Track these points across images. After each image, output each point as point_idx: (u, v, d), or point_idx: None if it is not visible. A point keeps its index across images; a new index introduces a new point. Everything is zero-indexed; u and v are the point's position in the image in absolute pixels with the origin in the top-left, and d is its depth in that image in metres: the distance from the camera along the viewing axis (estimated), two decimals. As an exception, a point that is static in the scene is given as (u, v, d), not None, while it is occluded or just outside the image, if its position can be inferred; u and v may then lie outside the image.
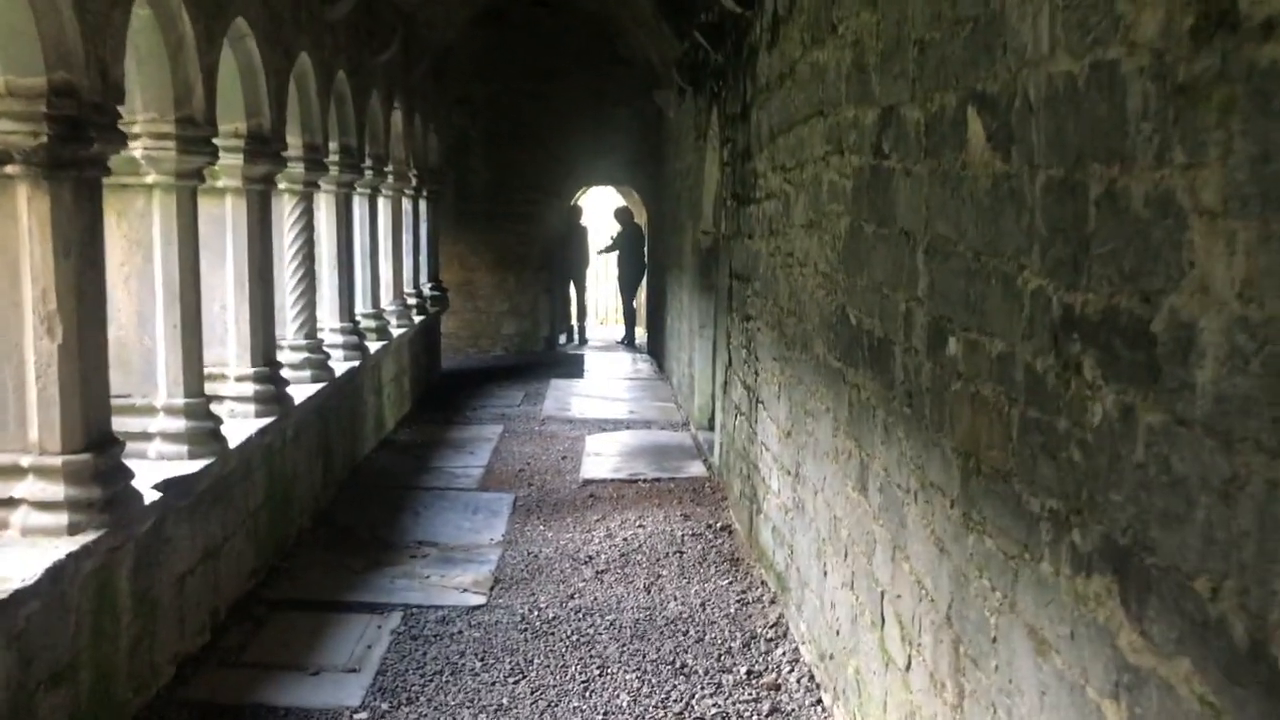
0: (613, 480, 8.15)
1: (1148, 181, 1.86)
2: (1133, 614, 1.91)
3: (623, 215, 16.94)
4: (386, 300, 10.05)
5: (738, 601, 5.76)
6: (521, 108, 15.11)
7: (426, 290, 12.17)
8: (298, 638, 5.19)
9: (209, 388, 5.61)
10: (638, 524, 7.11)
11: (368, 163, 8.81)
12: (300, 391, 6.66)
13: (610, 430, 10.09)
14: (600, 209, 20.28)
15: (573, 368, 14.22)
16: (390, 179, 9.92)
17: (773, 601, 5.69)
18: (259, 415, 5.81)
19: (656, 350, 15.00)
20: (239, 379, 5.84)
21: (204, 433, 4.95)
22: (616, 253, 17.12)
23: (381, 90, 9.01)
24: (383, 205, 10.05)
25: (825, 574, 4.52)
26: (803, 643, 5.01)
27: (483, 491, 7.88)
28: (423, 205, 11.96)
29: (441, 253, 14.12)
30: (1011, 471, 2.50)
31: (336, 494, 7.58)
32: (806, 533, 4.91)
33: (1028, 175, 2.40)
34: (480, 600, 5.73)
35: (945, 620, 2.98)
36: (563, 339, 16.80)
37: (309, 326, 7.08)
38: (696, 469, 8.47)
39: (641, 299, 17.79)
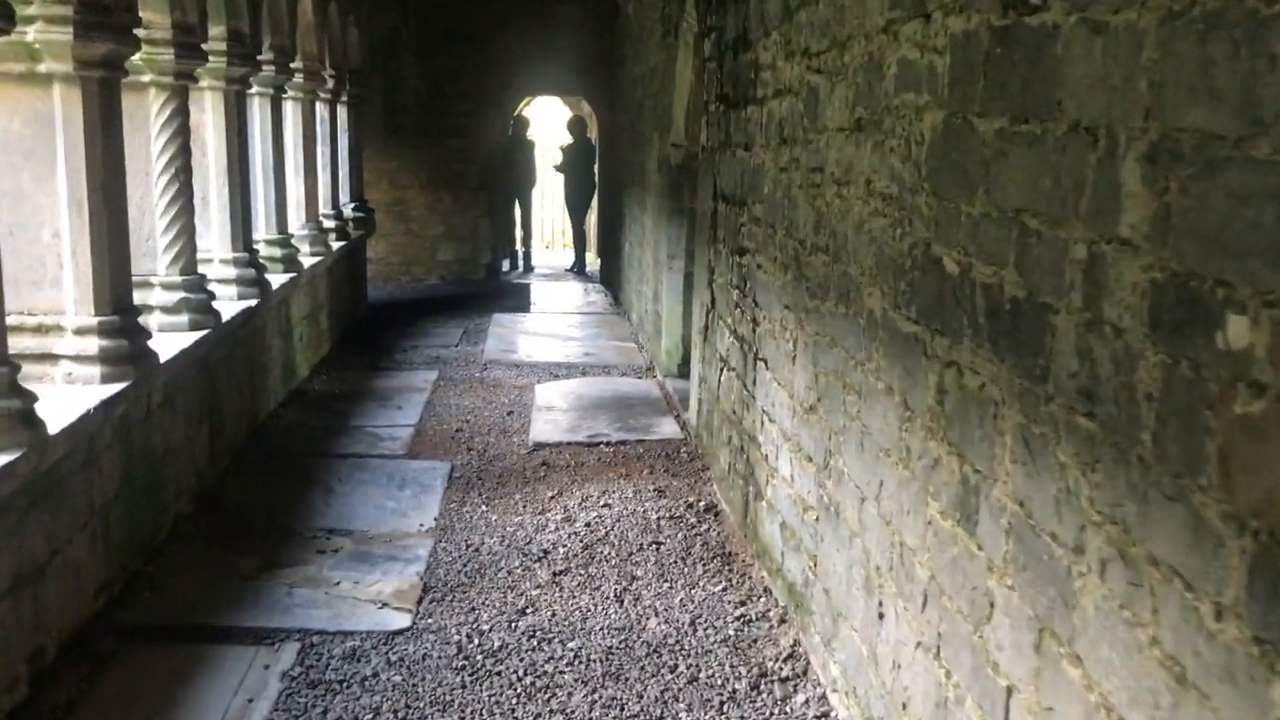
0: (569, 444, 6.81)
1: None
2: None
3: (576, 126, 15.36)
4: (297, 224, 8.52)
5: (737, 619, 4.48)
6: (458, 5, 13.44)
7: (348, 211, 10.62)
8: (151, 688, 3.82)
9: (29, 345, 4.16)
10: (602, 502, 5.79)
11: (267, 55, 7.23)
12: (173, 342, 5.21)
13: (563, 377, 8.72)
14: (548, 121, 18.65)
15: (518, 300, 12.77)
16: (299, 78, 8.33)
17: (783, 621, 4.42)
18: (109, 379, 4.37)
19: (611, 280, 13.60)
20: (79, 332, 4.38)
21: (9, 417, 3.51)
22: (565, 171, 15.57)
23: (285, -33, 7.40)
24: (291, 110, 8.47)
25: (881, 617, 3.24)
26: (834, 690, 3.75)
27: (412, 459, 6.50)
28: (342, 113, 10.35)
29: (369, 170, 12.53)
30: None
31: (229, 465, 6.16)
32: (844, 549, 3.62)
33: None
34: (404, 621, 4.39)
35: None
36: (506, 265, 15.31)
37: (186, 258, 5.59)
38: (668, 428, 7.16)
39: (591, 221, 16.32)
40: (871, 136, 3.32)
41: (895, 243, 3.09)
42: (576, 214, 15.71)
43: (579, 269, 15.56)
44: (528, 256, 15.85)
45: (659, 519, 5.58)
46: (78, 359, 4.34)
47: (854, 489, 3.51)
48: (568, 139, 15.42)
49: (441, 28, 13.48)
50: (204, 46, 5.73)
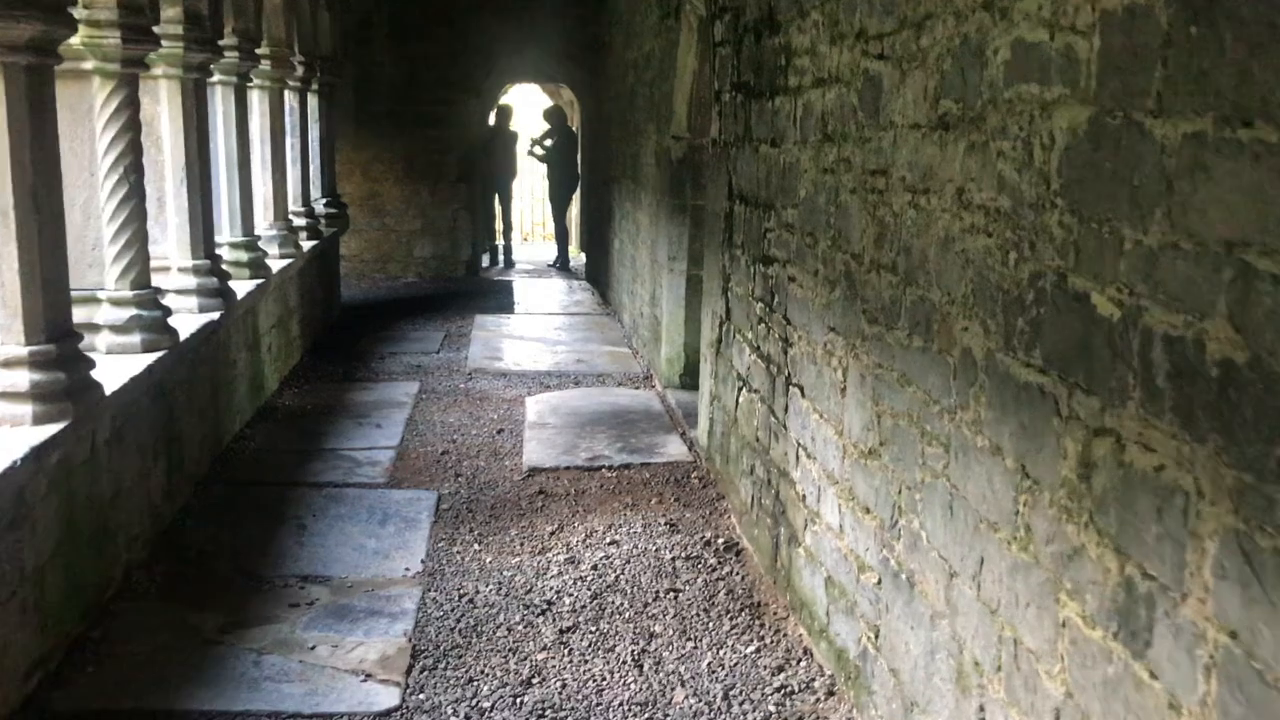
0: (568, 468, 6.19)
1: None
2: None
3: (555, 116, 14.69)
4: (264, 224, 7.84)
5: (777, 690, 3.88)
6: (435, -12, 12.73)
7: (320, 207, 9.94)
8: (92, 798, 3.20)
9: (-58, 385, 3.51)
10: (609, 539, 5.19)
11: (230, 40, 6.55)
12: (123, 367, 4.56)
13: (555, 388, 8.09)
14: (529, 110, 17.97)
15: (501, 299, 12.11)
16: (266, 65, 7.64)
17: (831, 693, 3.83)
18: (43, 419, 3.72)
19: (597, 277, 12.96)
20: (5, 365, 3.72)
21: (-93, 477, 2.87)
22: (547, 162, 14.90)
23: (248, -58, 6.71)
24: (257, 100, 7.78)
25: (981, 723, 2.66)
26: (905, 791, 3.17)
27: (394, 488, 5.86)
28: (313, 101, 9.66)
29: (341, 161, 11.85)
30: None
31: (190, 499, 5.51)
32: (922, 628, 3.03)
33: None
34: (392, 698, 3.77)
35: None
36: (485, 260, 14.64)
37: (138, 269, 4.93)
38: (675, 448, 6.55)
39: (573, 214, 15.66)
40: (966, 136, 2.71)
41: (1006, 269, 2.50)
42: (558, 207, 15.06)
43: (562, 264, 14.91)
44: (508, 251, 15.18)
45: (674, 559, 4.98)
46: (4, 397, 3.69)
47: (937, 560, 2.92)
48: (545, 129, 14.74)
49: (417, 12, 12.78)
50: (156, 30, 5.06)
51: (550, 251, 16.57)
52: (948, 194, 2.84)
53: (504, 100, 14.74)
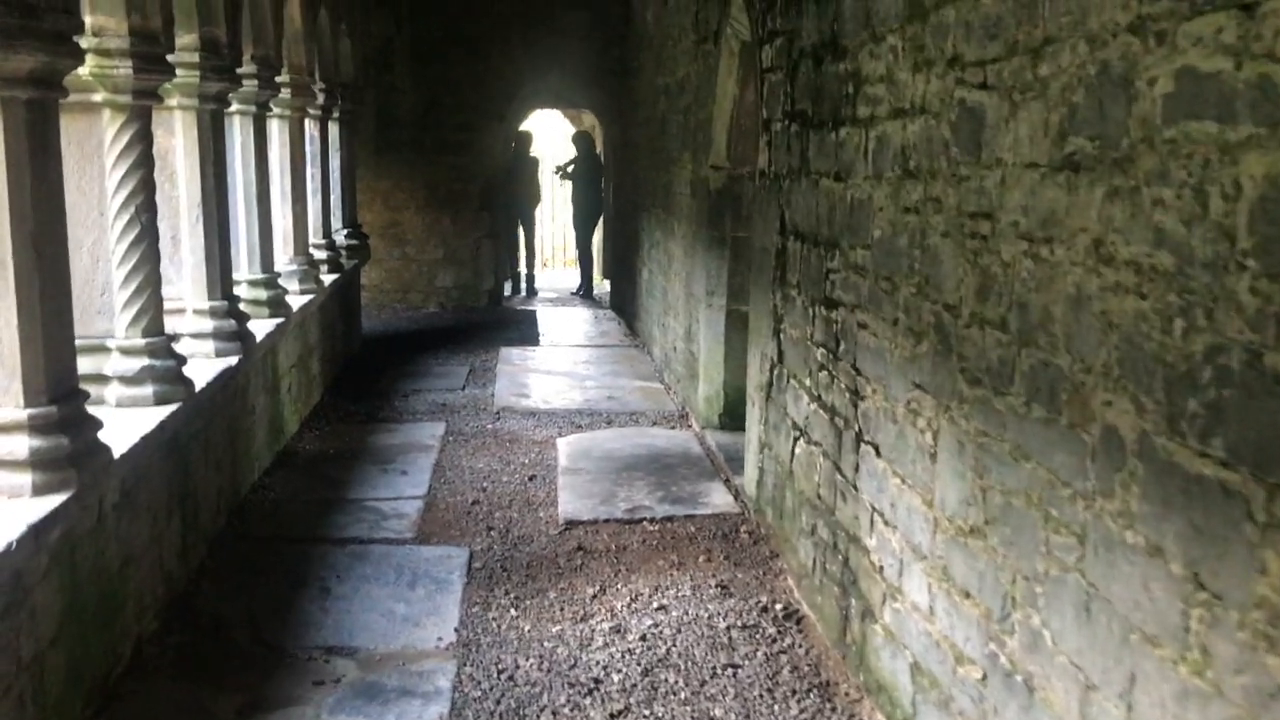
0: (606, 520, 5.79)
1: None
2: None
3: (582, 141, 14.37)
4: (284, 259, 7.50)
5: (859, 790, 3.48)
6: (456, 12, 12.46)
7: (341, 239, 9.61)
8: None
9: (-70, 457, 3.15)
10: (656, 604, 4.80)
11: (249, 68, 6.22)
12: (134, 423, 4.20)
13: (587, 428, 7.71)
14: (550, 135, 17.68)
15: (525, 330, 11.75)
16: (286, 93, 7.32)
17: (921, 795, 3.42)
18: (44, 490, 3.35)
19: (622, 306, 12.60)
20: (3, 430, 3.36)
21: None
22: (572, 187, 14.58)
23: (269, -35, 6.39)
24: (276, 129, 7.46)
25: None
26: None
27: (422, 544, 5.48)
28: (333, 130, 9.34)
29: (361, 190, 11.54)
30: None
31: (205, 558, 5.14)
32: (1046, 742, 2.62)
33: None
34: (429, 801, 3.38)
35: None
36: (507, 289, 14.30)
37: (151, 315, 4.57)
38: (720, 498, 6.15)
39: (595, 239, 15.31)
40: (1106, 180, 2.33)
41: (1169, 339, 2.11)
42: (582, 234, 14.72)
43: (586, 292, 14.57)
44: (530, 280, 14.83)
45: (729, 628, 4.58)
46: (2, 466, 3.32)
47: (1068, 666, 2.51)
48: (559, 156, 14.42)
49: (439, 36, 12.49)
50: (170, 58, 4.72)
51: (572, 278, 16.24)
52: (1079, 246, 2.45)
53: (524, 126, 14.43)
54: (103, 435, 3.76)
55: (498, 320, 12.34)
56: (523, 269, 14.94)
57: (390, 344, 10.80)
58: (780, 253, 5.23)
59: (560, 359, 10.19)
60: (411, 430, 7.49)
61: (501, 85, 12.67)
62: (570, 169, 14.74)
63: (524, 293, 14.67)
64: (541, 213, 16.37)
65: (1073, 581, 2.50)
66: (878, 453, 3.87)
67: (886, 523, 3.78)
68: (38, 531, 3.17)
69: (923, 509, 3.43)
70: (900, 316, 3.61)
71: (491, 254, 13.26)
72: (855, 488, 4.12)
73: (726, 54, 6.68)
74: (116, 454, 3.82)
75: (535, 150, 14.80)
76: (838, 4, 4.28)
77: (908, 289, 3.54)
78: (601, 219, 14.89)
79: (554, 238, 19.12)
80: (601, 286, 15.13)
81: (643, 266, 10.85)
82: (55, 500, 3.33)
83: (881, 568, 3.82)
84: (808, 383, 4.79)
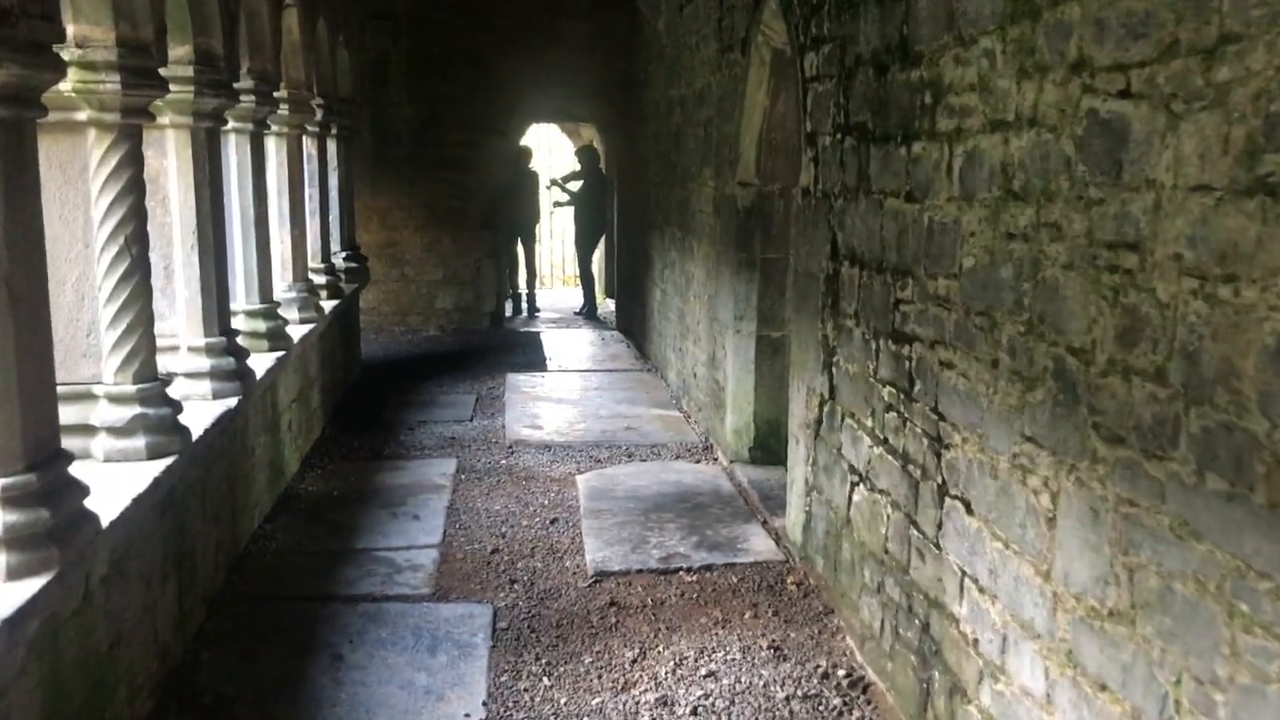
0: (640, 571, 5.32)
1: None
2: None
3: (586, 156, 13.93)
4: (283, 286, 7.03)
5: None
6: (455, 24, 12.03)
7: (340, 262, 9.14)
8: None
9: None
10: (703, 669, 4.34)
11: (246, 82, 5.76)
12: (124, 481, 3.73)
13: (607, 461, 7.24)
14: (546, 149, 17.24)
15: (531, 354, 11.28)
16: (284, 110, 6.86)
17: None
18: (20, 573, 2.89)
19: (630, 328, 12.14)
20: (-29, 501, 2.89)
21: None
22: (575, 204, 14.13)
23: (266, -28, 5.94)
24: (274, 148, 6.99)
25: None
26: None
27: (441, 601, 5.00)
28: (331, 147, 8.88)
29: (358, 209, 11.07)
30: None
31: (204, 622, 4.65)
32: None
33: None
34: None
35: None
36: (508, 309, 13.83)
37: (142, 357, 4.10)
38: (760, 542, 5.68)
39: (596, 257, 14.85)
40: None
41: None
42: (585, 252, 14.27)
43: (589, 312, 14.11)
44: (532, 300, 14.37)
45: (789, 699, 4.12)
46: (-31, 546, 2.85)
47: (1270, 798, 2.06)
48: (556, 170, 14.00)
49: (436, 49, 12.05)
50: (163, 72, 4.26)
51: (571, 297, 15.80)
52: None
53: (523, 141, 13.98)
54: (90, 501, 3.29)
55: (501, 343, 11.87)
56: (523, 288, 14.48)
57: (392, 371, 10.32)
58: (832, 279, 4.78)
59: (570, 385, 9.72)
60: (420, 468, 7.01)
61: (501, 99, 12.23)
62: (567, 182, 14.31)
63: (525, 313, 14.21)
64: (539, 229, 15.94)
65: (1276, 696, 2.05)
66: (968, 509, 3.42)
67: (982, 590, 3.32)
68: (12, 625, 2.70)
69: (1035, 581, 2.98)
70: (1002, 358, 3.17)
71: (493, 274, 12.80)
72: (937, 546, 3.67)
73: (756, 63, 6.25)
74: (105, 521, 3.36)
75: (534, 165, 14.35)
76: (908, 4, 3.85)
77: (1013, 327, 3.10)
78: (603, 237, 14.46)
79: (551, 255, 18.68)
80: (604, 306, 14.68)
81: (654, 287, 10.40)
82: (34, 585, 2.87)
83: (976, 640, 3.36)
84: (869, 423, 4.34)
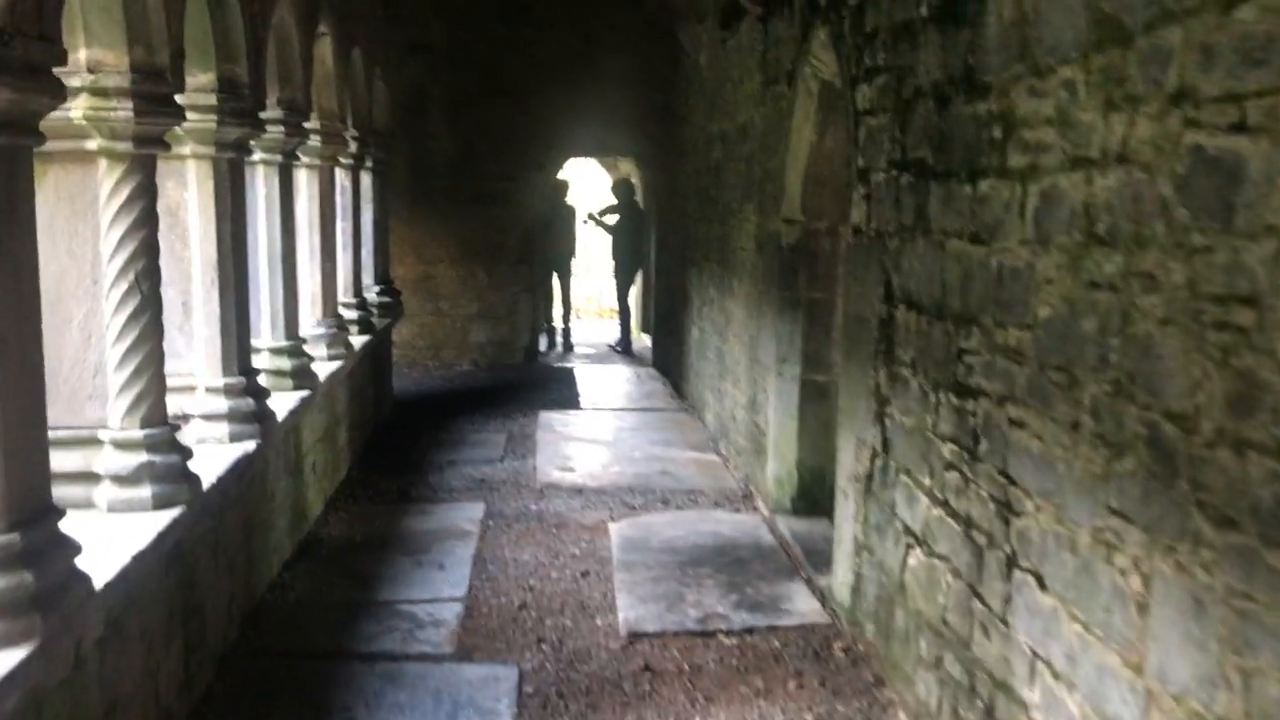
0: (676, 633, 5.00)
1: None
2: None
3: (623, 190, 13.72)
4: (311, 321, 6.82)
5: None
6: (494, 57, 11.87)
7: (373, 296, 8.94)
8: None
9: None
10: (746, 745, 4.01)
11: (274, 112, 5.57)
12: (125, 537, 3.47)
13: (641, 509, 6.94)
14: (582, 183, 17.08)
15: (565, 391, 11.02)
16: (316, 141, 6.67)
17: None
18: (3, 642, 2.63)
19: (667, 365, 11.86)
20: (-52, 563, 2.64)
21: None
22: (612, 238, 13.91)
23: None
24: (305, 180, 6.80)
25: None
26: None
27: (463, 662, 4.70)
28: (366, 180, 8.71)
29: (394, 241, 10.90)
30: None
31: (213, 682, 4.38)
32: None
33: None
34: None
35: None
36: (542, 343, 13.59)
37: (150, 401, 3.86)
38: (804, 603, 5.35)
39: (633, 292, 14.59)
40: None
41: None
42: (622, 286, 14.03)
43: (625, 348, 13.84)
44: (567, 334, 14.13)
45: (839, 782, 3.78)
46: (-57, 615, 2.60)
47: None
48: (592, 205, 13.78)
49: (474, 81, 11.90)
50: (181, 99, 4.05)
51: (606, 330, 15.57)
52: None
53: (560, 174, 13.79)
54: (83, 560, 3.04)
55: (535, 379, 11.62)
56: (558, 323, 14.25)
57: (423, 407, 10.09)
58: (885, 323, 4.48)
59: (604, 425, 9.43)
60: (447, 513, 6.73)
61: (540, 132, 12.05)
62: (605, 217, 14.10)
63: (559, 348, 13.97)
64: (575, 263, 15.74)
65: None
66: (1042, 585, 3.09)
67: (1057, 676, 2.99)
68: (-10, 699, 2.44)
69: (1124, 673, 2.64)
70: (1084, 420, 2.85)
71: (529, 309, 12.58)
72: (1005, 623, 3.34)
73: (803, 96, 5.99)
74: (103, 580, 3.10)
75: (570, 199, 14.16)
76: (974, 32, 3.57)
77: (1097, 386, 2.78)
78: (640, 270, 14.22)
79: (587, 288, 18.48)
80: (640, 341, 14.42)
81: (692, 325, 10.12)
82: (14, 656, 2.61)
83: (1052, 733, 3.02)
84: (927, 482, 4.02)
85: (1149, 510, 2.55)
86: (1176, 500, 2.44)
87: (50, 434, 3.66)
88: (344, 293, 7.83)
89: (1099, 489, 2.78)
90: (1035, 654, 3.14)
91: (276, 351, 5.82)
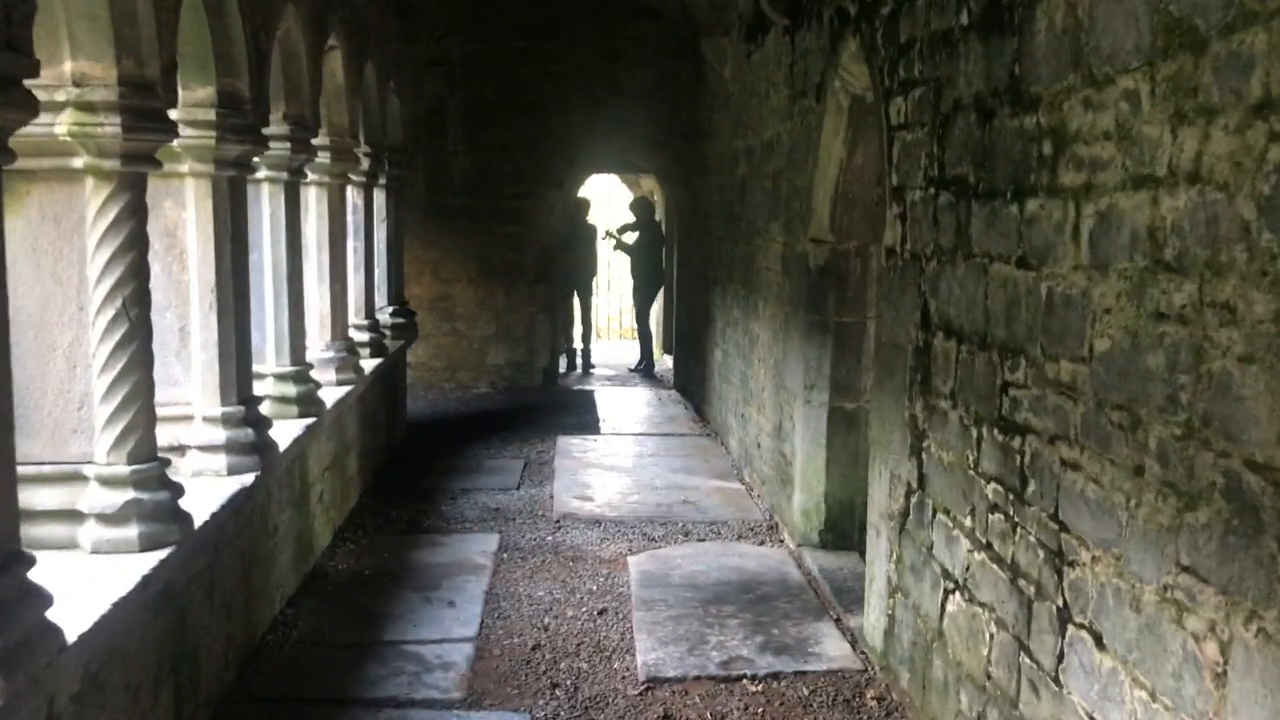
0: (697, 678, 4.72)
1: None
2: None
3: (641, 208, 13.50)
4: (319, 344, 6.60)
5: None
6: (513, 72, 11.68)
7: (386, 318, 8.72)
8: None
9: None
10: (772, 806, 3.72)
11: (279, 128, 5.37)
12: (108, 582, 3.24)
13: (661, 540, 6.67)
14: (604, 200, 16.87)
15: (584, 415, 10.76)
16: (325, 158, 6.46)
17: None
18: (-44, 698, 2.39)
19: (689, 388, 11.60)
20: (-100, 619, 2.40)
21: None
22: (631, 257, 13.67)
23: (305, 11, 5.54)
24: (314, 198, 6.59)
25: None
26: None
27: (473, 709, 4.42)
28: (379, 198, 8.50)
29: (410, 260, 10.70)
30: None
31: (206, 730, 4.15)
32: None
33: None
34: None
35: None
36: (561, 364, 13.34)
37: (138, 435, 3.63)
38: (833, 645, 5.06)
39: (654, 311, 14.33)
40: None
41: None
42: (642, 306, 13.78)
43: (645, 370, 13.58)
44: (587, 355, 13.87)
45: None
46: (-107, 675, 2.36)
47: None
48: (612, 222, 13.55)
49: (493, 97, 11.70)
50: (176, 115, 3.84)
51: (627, 350, 15.32)
52: None
53: (581, 192, 13.58)
54: (56, 611, 2.80)
55: (553, 402, 11.37)
56: (578, 344, 14.00)
57: (437, 430, 9.85)
58: (922, 351, 4.21)
59: (624, 451, 9.17)
60: (460, 545, 6.48)
61: (560, 149, 11.84)
62: (625, 235, 13.86)
63: (579, 369, 13.71)
64: (596, 283, 15.51)
65: None
66: (1099, 644, 2.81)
67: (1121, 747, 2.70)
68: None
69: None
70: (1149, 465, 2.57)
71: (547, 330, 12.34)
72: (1056, 682, 3.06)
73: (833, 110, 5.74)
74: (77, 632, 2.87)
75: (591, 217, 13.94)
76: (1021, 40, 3.31)
77: (1165, 428, 2.51)
78: (661, 290, 13.97)
79: (608, 306, 18.25)
80: (662, 362, 14.16)
81: (715, 347, 9.86)
82: (-32, 722, 2.37)
83: (1112, 808, 2.74)
84: (968, 523, 3.74)
85: (1227, 569, 2.27)
86: (1261, 559, 2.16)
87: (32, 469, 3.51)
88: (355, 314, 7.61)
89: (1167, 542, 2.50)
90: (1092, 718, 2.86)
91: (281, 378, 5.60)
